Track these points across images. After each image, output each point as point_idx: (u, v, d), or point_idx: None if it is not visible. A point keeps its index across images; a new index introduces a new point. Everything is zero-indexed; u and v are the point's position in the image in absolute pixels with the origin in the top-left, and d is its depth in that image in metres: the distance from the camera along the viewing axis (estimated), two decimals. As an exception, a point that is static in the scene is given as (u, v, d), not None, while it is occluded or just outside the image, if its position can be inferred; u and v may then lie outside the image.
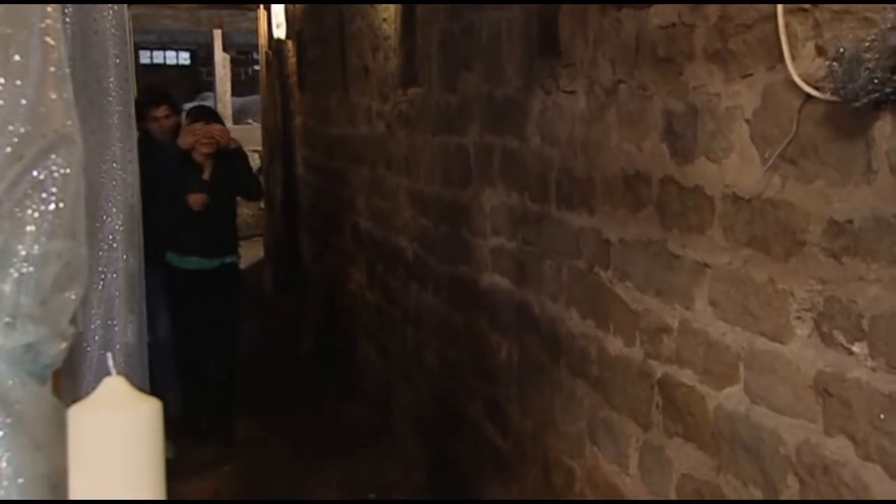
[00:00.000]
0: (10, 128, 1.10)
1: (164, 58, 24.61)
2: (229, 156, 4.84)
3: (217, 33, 11.37)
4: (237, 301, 5.12)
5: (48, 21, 1.29)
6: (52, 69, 1.23)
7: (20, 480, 1.04)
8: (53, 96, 1.20)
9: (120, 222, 2.48)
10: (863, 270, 1.60)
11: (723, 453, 2.03)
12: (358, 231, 5.68)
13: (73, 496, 0.97)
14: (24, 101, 1.10)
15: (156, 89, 6.09)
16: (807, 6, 1.71)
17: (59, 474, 1.03)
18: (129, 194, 2.76)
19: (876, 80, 1.45)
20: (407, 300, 4.62)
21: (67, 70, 1.27)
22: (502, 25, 3.23)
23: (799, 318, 1.78)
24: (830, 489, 1.68)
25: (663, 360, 2.28)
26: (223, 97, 13.26)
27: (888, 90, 1.46)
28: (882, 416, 1.55)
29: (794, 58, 1.72)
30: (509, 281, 3.26)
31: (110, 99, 2.68)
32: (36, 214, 1.07)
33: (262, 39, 9.13)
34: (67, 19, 2.71)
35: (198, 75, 21.92)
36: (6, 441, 1.01)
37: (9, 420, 1.01)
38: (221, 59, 12.31)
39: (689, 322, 2.16)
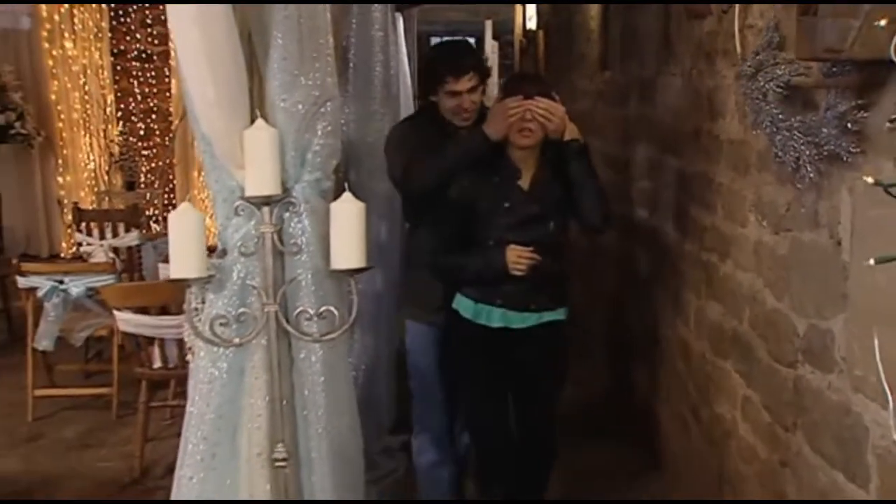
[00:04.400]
0: (315, 94, 2.48)
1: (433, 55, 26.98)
2: (564, 153, 3.11)
3: (488, 23, 12.93)
4: (559, 377, 3.37)
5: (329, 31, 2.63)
6: (329, 58, 2.60)
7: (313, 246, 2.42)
8: (329, 80, 2.60)
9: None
10: (770, 180, 2.73)
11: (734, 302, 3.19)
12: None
13: (334, 245, 2.35)
14: (307, 82, 2.47)
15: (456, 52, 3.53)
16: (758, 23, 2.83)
17: (327, 240, 2.39)
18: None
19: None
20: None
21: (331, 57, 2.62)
22: (646, 26, 4.42)
23: (749, 211, 2.92)
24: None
25: (707, 251, 3.44)
26: (492, 81, 14.88)
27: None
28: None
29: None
30: (646, 212, 4.46)
31: (375, 77, 4.16)
32: (318, 131, 2.48)
33: (518, 29, 10.65)
34: (353, 21, 4.24)
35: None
36: (307, 223, 2.41)
37: (307, 216, 2.42)
38: (491, 46, 13.90)
39: (715, 223, 3.32)
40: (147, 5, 9.37)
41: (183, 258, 2.30)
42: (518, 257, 3.04)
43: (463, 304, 3.20)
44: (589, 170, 3.14)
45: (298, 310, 2.35)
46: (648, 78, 4.39)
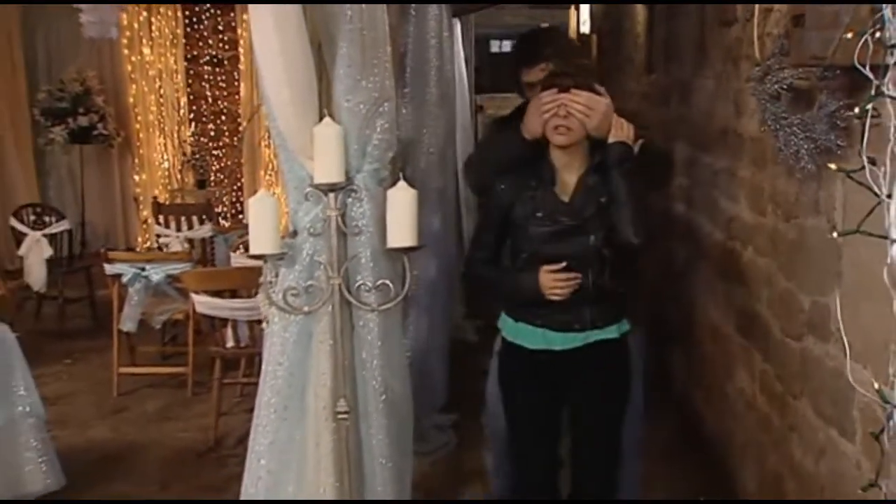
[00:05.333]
0: (375, 95, 2.83)
1: (511, 47, 27.43)
2: (611, 156, 2.72)
3: (544, 27, 13.29)
4: (618, 405, 2.90)
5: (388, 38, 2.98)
6: (387, 65, 2.95)
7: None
8: (387, 83, 2.95)
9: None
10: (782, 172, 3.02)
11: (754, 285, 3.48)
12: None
13: (389, 227, 2.71)
14: (368, 84, 2.81)
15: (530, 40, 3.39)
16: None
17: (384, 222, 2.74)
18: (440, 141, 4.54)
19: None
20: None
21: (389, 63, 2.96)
22: (685, 32, 4.71)
23: (767, 201, 3.21)
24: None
25: (732, 239, 3.73)
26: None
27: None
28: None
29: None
30: (684, 206, 4.75)
31: (430, 80, 4.51)
32: (377, 128, 2.84)
33: (572, 33, 10.93)
34: (410, 30, 4.60)
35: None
36: (367, 207, 2.77)
37: (367, 201, 2.78)
38: (549, 50, 14.29)
39: (739, 213, 3.61)
40: (219, 13, 9.88)
41: (260, 237, 2.68)
42: (554, 281, 2.71)
43: (504, 322, 2.90)
44: (627, 179, 2.66)
45: (359, 283, 2.71)
46: (686, 80, 4.67)
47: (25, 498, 3.81)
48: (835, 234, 1.89)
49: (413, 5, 4.42)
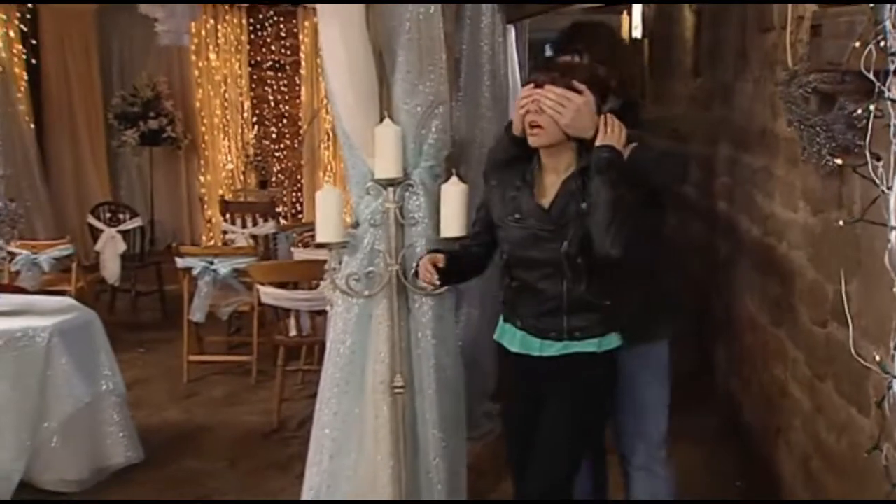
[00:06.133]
0: (430, 98, 3.08)
1: (566, 51, 27.66)
2: (594, 160, 2.53)
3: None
4: (583, 425, 2.71)
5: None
6: (442, 70, 3.20)
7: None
8: (442, 88, 3.21)
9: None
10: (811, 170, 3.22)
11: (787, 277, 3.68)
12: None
13: (443, 218, 2.97)
14: (424, 89, 3.06)
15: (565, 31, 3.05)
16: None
17: (438, 214, 3.01)
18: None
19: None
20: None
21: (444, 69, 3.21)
22: (728, 37, 4.90)
23: (798, 198, 3.41)
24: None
25: (769, 234, 3.93)
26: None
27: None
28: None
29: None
30: (726, 204, 4.94)
31: (483, 83, 4.76)
32: (432, 128, 3.10)
33: (624, 38, 11.11)
34: (464, 37, 4.87)
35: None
36: (423, 200, 3.02)
37: (422, 195, 3.03)
38: (602, 53, 14.50)
39: (775, 210, 3.81)
40: (282, 20, 10.26)
41: (326, 227, 2.98)
42: (423, 267, 2.71)
43: (501, 328, 2.78)
44: (609, 186, 2.46)
45: (414, 269, 2.98)
46: (728, 84, 4.86)
47: (109, 469, 4.15)
48: (841, 223, 2.10)
49: (468, 14, 4.68)
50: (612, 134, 2.51)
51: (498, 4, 4.95)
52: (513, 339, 2.69)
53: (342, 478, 3.04)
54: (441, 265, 2.68)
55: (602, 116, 2.54)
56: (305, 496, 3.09)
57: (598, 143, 2.51)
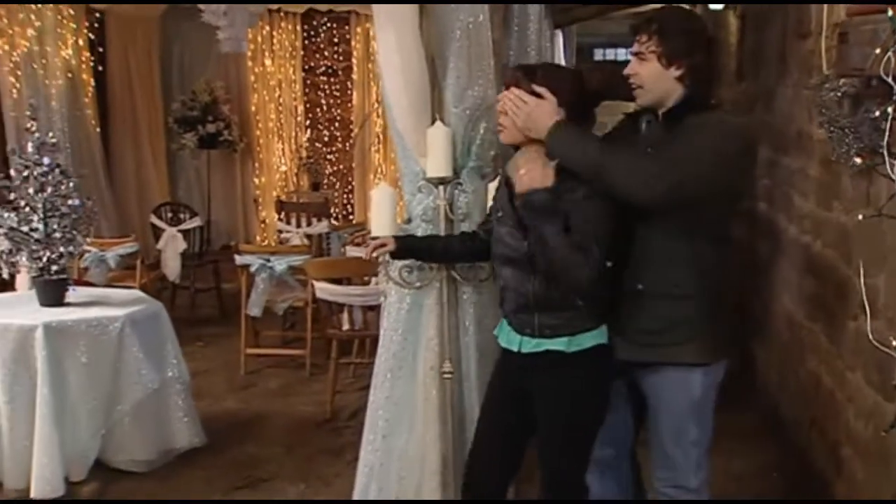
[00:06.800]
0: (479, 102, 3.27)
1: (616, 54, 27.74)
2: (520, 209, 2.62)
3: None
4: (554, 425, 2.72)
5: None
6: (490, 76, 3.39)
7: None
8: (490, 92, 3.40)
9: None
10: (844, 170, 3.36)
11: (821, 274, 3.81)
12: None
13: None
14: (473, 93, 3.25)
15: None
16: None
17: (485, 211, 3.21)
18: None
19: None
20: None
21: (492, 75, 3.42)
22: (769, 43, 5.03)
23: (832, 197, 3.54)
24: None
25: (805, 233, 4.06)
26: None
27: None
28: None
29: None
30: (766, 205, 5.06)
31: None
32: (480, 130, 3.29)
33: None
34: (511, 43, 5.06)
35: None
36: (471, 198, 3.21)
37: (470, 193, 3.23)
38: (651, 57, 14.62)
39: (810, 209, 3.94)
40: (334, 27, 10.55)
41: (381, 222, 3.19)
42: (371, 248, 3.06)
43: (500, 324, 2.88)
44: (537, 232, 2.52)
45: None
46: (770, 88, 4.99)
47: (175, 451, 4.42)
48: (860, 217, 2.25)
49: (515, 21, 4.86)
50: (531, 181, 2.52)
51: (545, 10, 5.13)
52: (501, 333, 2.80)
53: (394, 457, 3.24)
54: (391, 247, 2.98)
55: (520, 167, 2.57)
56: (360, 473, 3.31)
57: (518, 189, 2.58)
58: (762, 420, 4.83)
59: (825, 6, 3.45)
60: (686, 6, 4.19)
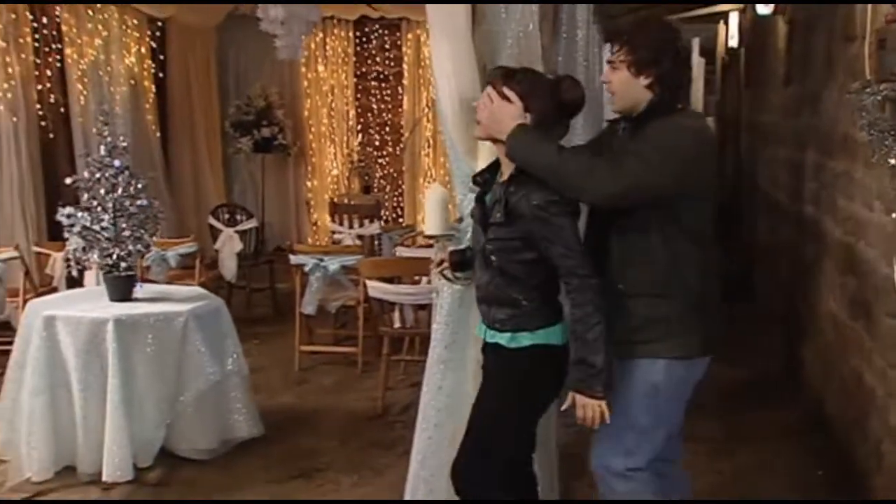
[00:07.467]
0: None
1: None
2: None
3: (695, 41, 13.60)
4: (491, 404, 2.93)
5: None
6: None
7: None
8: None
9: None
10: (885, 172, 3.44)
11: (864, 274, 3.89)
12: (756, 185, 7.65)
13: None
14: None
15: None
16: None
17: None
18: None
19: None
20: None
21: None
22: (816, 47, 5.10)
23: (875, 199, 3.62)
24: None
25: (848, 234, 4.13)
26: (696, 93, 15.50)
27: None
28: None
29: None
30: (813, 208, 5.12)
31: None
32: None
33: (721, 47, 11.25)
34: (560, 49, 5.20)
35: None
36: None
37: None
38: (697, 62, 14.54)
39: (854, 211, 4.01)
40: (386, 34, 10.76)
41: (434, 221, 3.35)
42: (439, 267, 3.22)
43: None
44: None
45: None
46: (816, 92, 5.06)
47: (234, 441, 4.61)
48: (894, 216, 2.36)
49: (564, 28, 5.00)
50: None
51: (593, 17, 5.25)
52: (479, 323, 3.00)
53: (444, 445, 3.38)
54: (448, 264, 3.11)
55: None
56: (414, 459, 3.45)
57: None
58: (807, 418, 4.90)
59: (868, 8, 3.53)
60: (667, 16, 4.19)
